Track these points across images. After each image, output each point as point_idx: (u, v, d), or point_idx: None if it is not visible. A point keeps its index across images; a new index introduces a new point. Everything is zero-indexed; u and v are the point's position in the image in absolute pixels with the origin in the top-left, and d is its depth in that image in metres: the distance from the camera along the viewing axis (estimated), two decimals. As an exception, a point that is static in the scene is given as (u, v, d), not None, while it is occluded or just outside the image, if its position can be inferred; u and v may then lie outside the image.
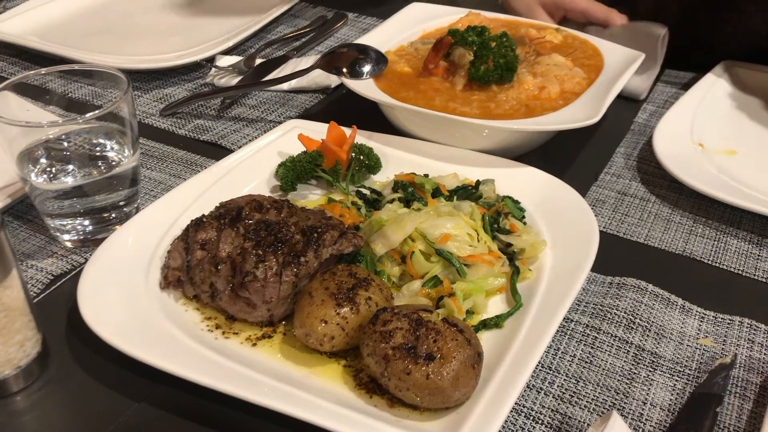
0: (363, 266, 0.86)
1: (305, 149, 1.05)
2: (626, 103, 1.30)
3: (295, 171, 1.01)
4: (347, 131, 1.06)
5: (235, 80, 1.33)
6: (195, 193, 0.98)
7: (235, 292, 0.80)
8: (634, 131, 1.23)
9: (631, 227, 1.01)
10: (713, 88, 1.27)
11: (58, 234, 0.97)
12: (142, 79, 1.36)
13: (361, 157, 1.04)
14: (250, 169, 1.05)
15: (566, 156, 1.15)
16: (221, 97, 1.28)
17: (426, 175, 0.99)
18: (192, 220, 0.88)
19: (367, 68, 1.15)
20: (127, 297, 0.82)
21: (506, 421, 0.73)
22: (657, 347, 0.82)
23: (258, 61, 1.39)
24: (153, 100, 1.31)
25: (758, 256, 0.96)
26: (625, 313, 0.86)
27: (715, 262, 0.95)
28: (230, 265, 0.81)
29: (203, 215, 0.88)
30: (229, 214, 0.86)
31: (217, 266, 0.81)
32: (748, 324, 0.85)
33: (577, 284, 0.82)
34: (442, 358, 0.69)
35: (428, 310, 0.75)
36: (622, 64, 1.18)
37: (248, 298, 0.79)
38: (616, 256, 0.95)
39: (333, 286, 0.77)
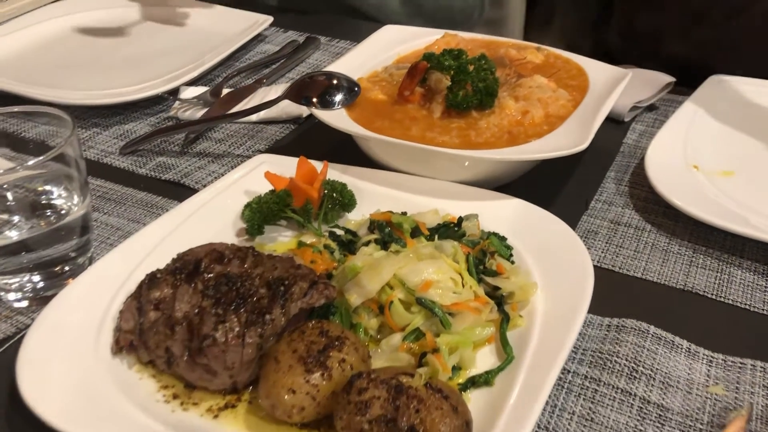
0: (337, 319, 0.78)
1: (273, 188, 0.97)
2: (613, 123, 1.23)
3: (261, 213, 0.93)
4: (319, 165, 0.98)
5: (200, 113, 1.26)
6: (153, 241, 0.90)
7: (192, 358, 0.71)
8: (624, 153, 1.17)
9: (627, 260, 0.94)
10: (704, 105, 1.20)
11: (2, 293, 0.88)
12: (101, 114, 1.28)
13: (334, 195, 0.96)
14: (214, 212, 0.96)
15: (553, 184, 1.08)
16: (185, 131, 1.20)
17: (404, 213, 0.92)
18: (146, 276, 0.79)
19: (338, 97, 1.08)
20: (75, 367, 0.74)
21: (501, 495, 0.65)
22: (663, 399, 0.74)
23: (225, 91, 1.31)
24: (113, 137, 1.23)
25: (765, 287, 0.89)
26: (626, 360, 0.78)
27: (720, 296, 0.88)
28: (187, 327, 0.73)
29: (158, 270, 0.80)
30: (186, 268, 0.78)
31: (173, 328, 0.73)
32: (761, 368, 0.77)
33: (573, 332, 0.75)
34: (426, 431, 0.61)
35: (409, 373, 0.67)
36: (609, 83, 1.12)
37: (207, 364, 0.71)
38: (613, 294, 0.87)
39: (302, 348, 0.69)
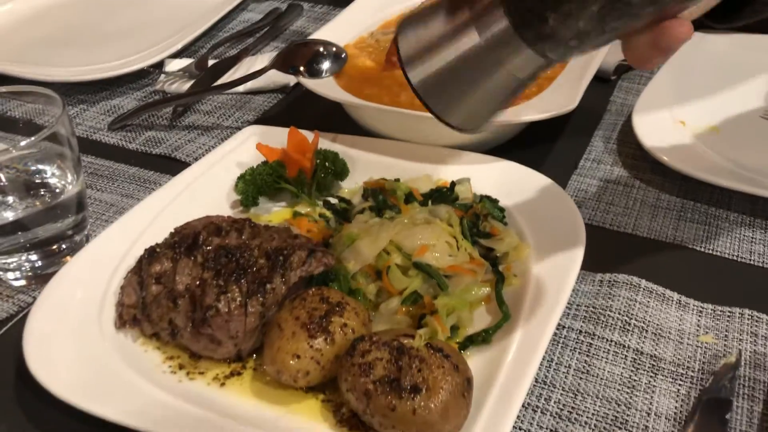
0: (336, 286, 0.79)
1: (265, 159, 0.97)
2: (600, 82, 1.24)
3: (255, 185, 0.94)
4: (309, 135, 0.99)
5: (186, 85, 1.25)
6: (149, 216, 0.90)
7: (197, 329, 0.72)
8: (611, 111, 1.18)
9: (617, 217, 0.96)
10: (688, 61, 1.20)
11: (2, 273, 0.88)
12: (87, 91, 1.27)
13: (327, 164, 0.97)
14: (207, 185, 0.97)
15: (542, 145, 1.09)
16: (173, 105, 1.19)
17: (397, 180, 0.93)
18: (145, 251, 0.80)
19: (325, 65, 1.08)
20: (80, 342, 0.75)
21: (503, 447, 0.67)
22: (656, 349, 0.77)
23: (210, 62, 1.30)
24: (100, 113, 1.22)
25: (752, 238, 0.91)
26: (619, 314, 0.80)
27: (708, 249, 0.90)
28: (189, 299, 0.74)
29: (156, 244, 0.80)
30: (185, 241, 0.78)
31: (175, 301, 0.74)
32: (749, 315, 0.80)
33: (566, 288, 0.77)
34: (429, 389, 0.63)
35: (410, 334, 0.69)
36: (595, 42, 1.12)
37: (212, 334, 0.72)
38: (604, 250, 0.89)
39: (304, 315, 0.71)
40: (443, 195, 0.90)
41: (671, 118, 1.08)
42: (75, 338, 0.75)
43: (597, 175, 1.04)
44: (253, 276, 0.74)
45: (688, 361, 0.75)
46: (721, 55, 1.23)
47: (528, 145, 1.05)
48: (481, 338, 0.75)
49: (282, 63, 1.09)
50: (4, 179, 0.87)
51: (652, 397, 0.72)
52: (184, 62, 1.31)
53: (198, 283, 0.75)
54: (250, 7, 1.57)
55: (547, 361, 0.76)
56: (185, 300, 0.74)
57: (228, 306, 0.72)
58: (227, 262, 0.76)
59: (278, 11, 1.52)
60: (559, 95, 0.99)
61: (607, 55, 1.21)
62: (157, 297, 0.76)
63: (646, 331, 0.79)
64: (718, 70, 1.20)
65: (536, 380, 0.74)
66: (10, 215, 0.86)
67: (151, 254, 0.78)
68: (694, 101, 1.12)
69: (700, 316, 0.80)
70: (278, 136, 1.00)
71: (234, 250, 0.77)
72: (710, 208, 0.96)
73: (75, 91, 1.27)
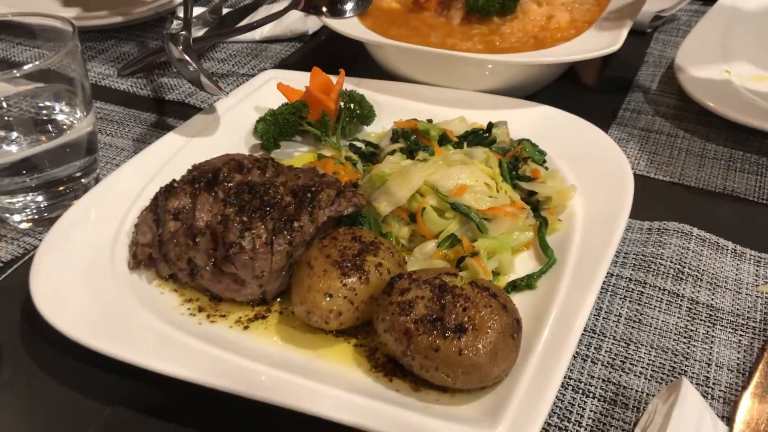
0: (366, 228, 0.74)
1: (287, 101, 0.91)
2: (635, 35, 1.18)
3: (277, 125, 0.88)
4: (333, 79, 0.93)
5: (200, 32, 1.19)
6: (163, 157, 0.85)
7: (218, 268, 0.67)
8: (648, 63, 1.11)
9: (662, 166, 0.90)
10: (729, 13, 1.15)
11: (7, 215, 0.83)
12: (96, 38, 1.21)
13: (352, 106, 0.91)
14: (224, 128, 0.91)
15: (578, 94, 1.03)
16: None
17: (430, 121, 0.87)
18: (161, 187, 0.74)
19: (349, 5, 1.02)
20: (91, 282, 0.69)
21: (552, 397, 0.62)
22: (713, 299, 0.71)
23: (225, 10, 1.24)
24: (109, 60, 1.16)
25: (807, 189, 0.86)
26: (671, 262, 0.74)
27: (762, 199, 0.84)
28: (210, 236, 0.68)
29: (174, 180, 0.74)
30: (205, 177, 0.73)
31: (195, 238, 0.68)
32: (811, 265, 0.74)
33: (617, 233, 0.71)
34: (476, 329, 0.57)
35: (451, 273, 0.63)
36: (634, -13, 1.06)
37: (235, 273, 0.66)
38: (651, 199, 0.83)
39: (335, 253, 0.65)
40: (479, 137, 0.84)
41: (716, 68, 1.02)
42: (86, 278, 0.69)
43: (638, 125, 0.98)
44: (279, 213, 0.69)
45: (747, 312, 0.70)
46: (762, 6, 1.17)
47: (564, 94, 0.99)
48: (526, 283, 0.69)
49: (303, 3, 1.03)
50: (9, 113, 0.81)
51: (711, 347, 0.66)
52: (198, 9, 1.24)
53: (220, 219, 0.69)
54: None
55: (596, 308, 0.70)
56: (206, 237, 0.68)
57: (253, 243, 0.66)
58: (251, 199, 0.70)
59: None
60: (601, 37, 0.93)
61: (644, 6, 1.15)
62: (175, 234, 0.70)
63: (701, 280, 0.73)
64: (762, 21, 1.14)
65: (585, 329, 0.68)
66: (14, 149, 0.80)
67: (169, 189, 0.73)
68: (738, 51, 1.06)
69: (758, 266, 0.74)
70: (299, 81, 0.94)
71: (258, 187, 0.71)
72: (761, 158, 0.90)
73: (83, 38, 1.20)
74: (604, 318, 0.69)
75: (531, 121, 0.88)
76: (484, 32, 0.97)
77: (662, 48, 1.15)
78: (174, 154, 0.85)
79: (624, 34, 0.91)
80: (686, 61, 1.02)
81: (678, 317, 0.69)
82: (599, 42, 0.91)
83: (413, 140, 0.82)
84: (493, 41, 0.95)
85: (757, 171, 0.88)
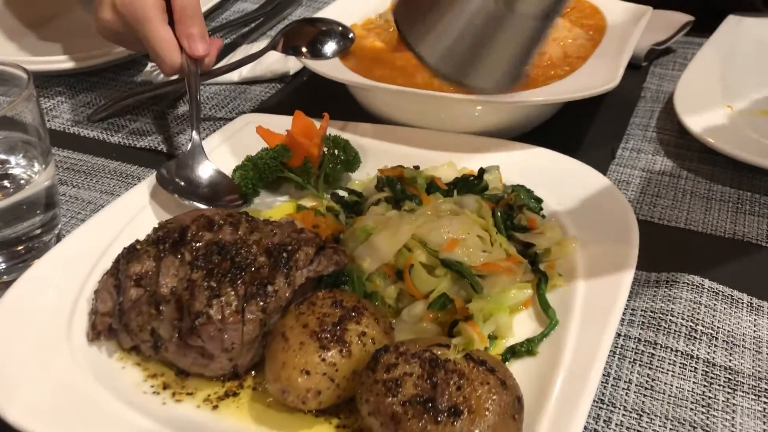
0: (349, 289, 0.67)
1: (266, 145, 0.85)
2: (631, 68, 1.12)
3: (256, 172, 0.82)
4: (317, 123, 0.87)
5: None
6: (129, 212, 0.78)
7: (184, 340, 0.60)
8: (646, 98, 1.06)
9: (666, 210, 0.84)
10: (728, 45, 1.10)
11: (-43, 278, 0.76)
12: (66, 82, 1.15)
13: (336, 152, 0.85)
14: (198, 178, 0.85)
15: (574, 133, 0.97)
16: (159, 92, 1.07)
17: (416, 167, 0.81)
18: (124, 248, 0.68)
19: (331, 45, 0.96)
20: (46, 357, 0.63)
21: (560, 482, 0.55)
22: (730, 360, 0.65)
23: (202, 51, 1.18)
24: (80, 105, 1.10)
25: (823, 232, 0.80)
26: (683, 319, 0.68)
27: (775, 245, 0.79)
28: (175, 304, 0.62)
29: (137, 241, 0.68)
30: (171, 236, 0.66)
31: (159, 307, 0.62)
32: (835, 320, 0.68)
33: (623, 290, 0.65)
34: (472, 411, 0.51)
35: (443, 344, 0.56)
36: (628, 20, 1.02)
37: (202, 346, 0.60)
38: (656, 247, 0.77)
39: (314, 322, 0.58)
40: (470, 184, 0.78)
41: (716, 103, 0.97)
42: (40, 354, 0.63)
43: (638, 165, 0.92)
44: (251, 276, 0.62)
45: (770, 374, 0.63)
46: (764, 37, 1.13)
47: (557, 134, 0.93)
48: (526, 348, 0.63)
49: (282, 44, 0.98)
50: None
51: (733, 417, 0.60)
52: (173, 51, 1.19)
53: (186, 285, 0.62)
54: (245, -3, 1.46)
55: (604, 375, 0.64)
56: (170, 305, 0.62)
57: (221, 312, 0.60)
58: (220, 261, 0.63)
59: (275, 1, 1.41)
60: (596, 74, 0.88)
61: (638, 39, 1.11)
62: (137, 302, 0.63)
63: (716, 338, 0.67)
64: (762, 52, 1.09)
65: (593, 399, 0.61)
66: (-34, 210, 0.74)
67: (131, 252, 0.66)
68: (738, 85, 1.01)
69: (777, 320, 0.68)
70: (280, 125, 0.88)
71: (229, 247, 0.65)
72: (771, 199, 0.85)
73: (53, 83, 1.15)
74: (612, 385, 0.63)
75: (525, 165, 0.83)
76: (473, 71, 0.92)
77: (659, 82, 1.10)
78: (141, 209, 0.79)
79: (621, 69, 0.86)
80: (685, 97, 0.97)
81: (694, 382, 0.63)
82: (595, 79, 0.86)
83: (399, 189, 0.77)
84: (483, 80, 0.90)
85: (768, 213, 0.83)
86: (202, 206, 0.77)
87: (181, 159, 0.84)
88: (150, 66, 1.17)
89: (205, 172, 0.84)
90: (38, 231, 0.78)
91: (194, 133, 0.87)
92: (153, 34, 0.90)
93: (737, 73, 1.04)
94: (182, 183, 0.81)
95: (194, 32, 0.91)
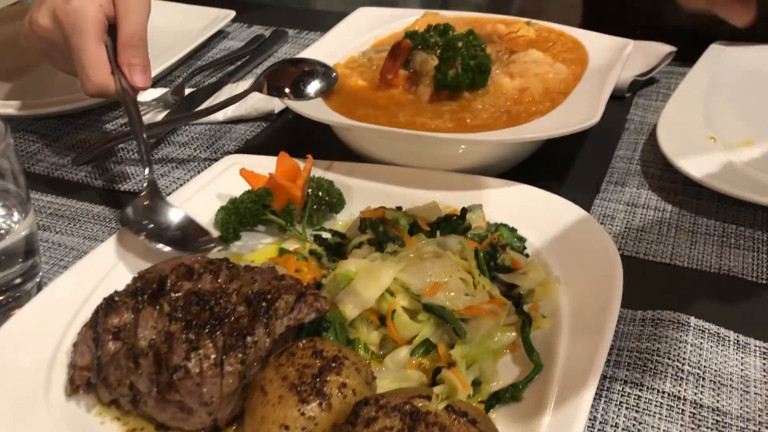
0: (331, 336, 0.67)
1: (249, 188, 0.85)
2: (614, 100, 1.13)
3: (237, 215, 0.82)
4: (301, 163, 0.87)
5: (161, 115, 1.14)
6: (111, 260, 0.78)
7: (162, 395, 0.59)
8: (630, 130, 1.07)
9: (651, 245, 0.84)
10: (710, 75, 1.11)
11: (-65, 331, 0.75)
12: (50, 125, 1.15)
13: (320, 194, 0.85)
14: (181, 222, 0.84)
15: (557, 169, 0.97)
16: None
17: (399, 208, 0.81)
18: (102, 300, 0.67)
19: (314, 85, 0.97)
20: (23, 414, 0.61)
21: None
22: (718, 401, 0.64)
23: (187, 91, 1.19)
24: (64, 149, 1.10)
25: (809, 265, 0.79)
26: (668, 359, 0.67)
27: (761, 279, 0.78)
28: (153, 357, 0.61)
29: (116, 292, 0.67)
30: (149, 287, 0.65)
31: (137, 361, 0.61)
32: (823, 357, 0.67)
33: (608, 330, 0.64)
34: (453, 465, 0.50)
35: (424, 395, 0.55)
36: (610, 54, 1.02)
37: (181, 401, 0.59)
38: (641, 284, 0.76)
39: (293, 374, 0.57)
40: (453, 224, 0.78)
41: (700, 134, 0.97)
42: (16, 411, 0.61)
43: (622, 198, 0.92)
44: (230, 327, 0.62)
45: (759, 415, 0.62)
46: (747, 66, 1.13)
47: (541, 169, 0.93)
48: (510, 394, 0.62)
49: (265, 85, 0.98)
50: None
51: (722, 462, 0.59)
52: (158, 91, 1.19)
53: (164, 337, 0.61)
54: (231, 35, 1.47)
55: (590, 420, 0.63)
56: (148, 359, 0.61)
57: (200, 366, 0.59)
58: (199, 311, 0.63)
59: (262, 38, 1.42)
60: (578, 110, 0.88)
61: (622, 71, 1.12)
62: (115, 356, 0.62)
63: (703, 378, 0.66)
64: (745, 82, 1.10)
65: (578, 445, 0.61)
66: (-56, 262, 0.73)
67: (109, 304, 0.65)
68: (721, 115, 1.01)
69: (765, 358, 0.68)
70: (264, 166, 0.88)
71: (208, 297, 0.64)
72: (756, 232, 0.84)
73: (37, 126, 1.15)
74: (599, 429, 0.62)
75: (508, 203, 0.83)
76: (455, 109, 0.92)
77: (643, 113, 1.11)
78: (123, 256, 0.79)
79: (602, 106, 0.86)
80: (668, 129, 0.97)
81: (681, 425, 0.62)
82: (577, 115, 0.87)
83: (382, 231, 0.76)
84: (464, 118, 0.90)
85: (753, 247, 0.82)
86: (176, 251, 0.76)
87: (139, 200, 0.83)
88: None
89: (162, 213, 0.82)
90: (18, 280, 0.77)
91: (146, 171, 0.85)
92: (85, 48, 0.88)
93: (720, 103, 1.04)
94: (150, 225, 0.80)
95: (136, 63, 0.92)
